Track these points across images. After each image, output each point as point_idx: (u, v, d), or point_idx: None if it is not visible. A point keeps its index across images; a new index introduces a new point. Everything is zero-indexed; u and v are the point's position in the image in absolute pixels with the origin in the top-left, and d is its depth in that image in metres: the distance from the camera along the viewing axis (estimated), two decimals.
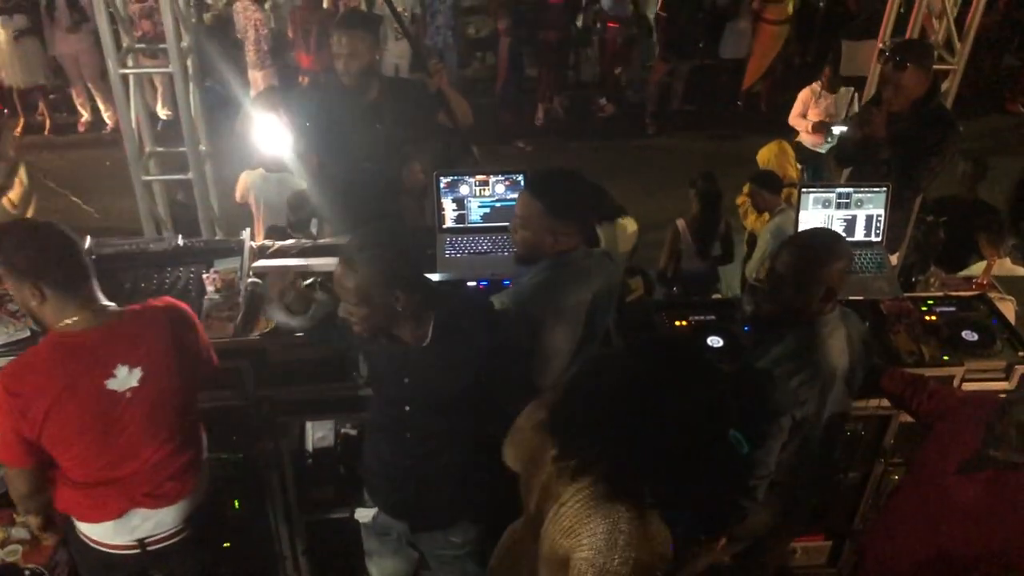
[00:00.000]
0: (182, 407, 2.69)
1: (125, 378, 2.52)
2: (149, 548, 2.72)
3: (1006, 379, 3.50)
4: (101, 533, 2.69)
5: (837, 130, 7.20)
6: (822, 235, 2.99)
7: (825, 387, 2.79)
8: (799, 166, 6.70)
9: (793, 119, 7.48)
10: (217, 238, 4.83)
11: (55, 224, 2.53)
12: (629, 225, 5.36)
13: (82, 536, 2.73)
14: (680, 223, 5.51)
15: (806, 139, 7.34)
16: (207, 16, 8.82)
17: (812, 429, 2.85)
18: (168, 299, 2.80)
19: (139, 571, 2.80)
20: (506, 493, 2.68)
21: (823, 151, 7.13)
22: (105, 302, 2.56)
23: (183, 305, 2.79)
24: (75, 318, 2.47)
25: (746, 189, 5.83)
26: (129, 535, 2.69)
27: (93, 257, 3.05)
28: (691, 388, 1.97)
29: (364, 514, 3.02)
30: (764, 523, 2.96)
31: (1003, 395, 3.25)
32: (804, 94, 7.44)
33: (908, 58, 4.19)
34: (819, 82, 7.41)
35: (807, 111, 7.42)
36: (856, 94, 7.21)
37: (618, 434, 1.97)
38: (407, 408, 2.69)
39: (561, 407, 2.14)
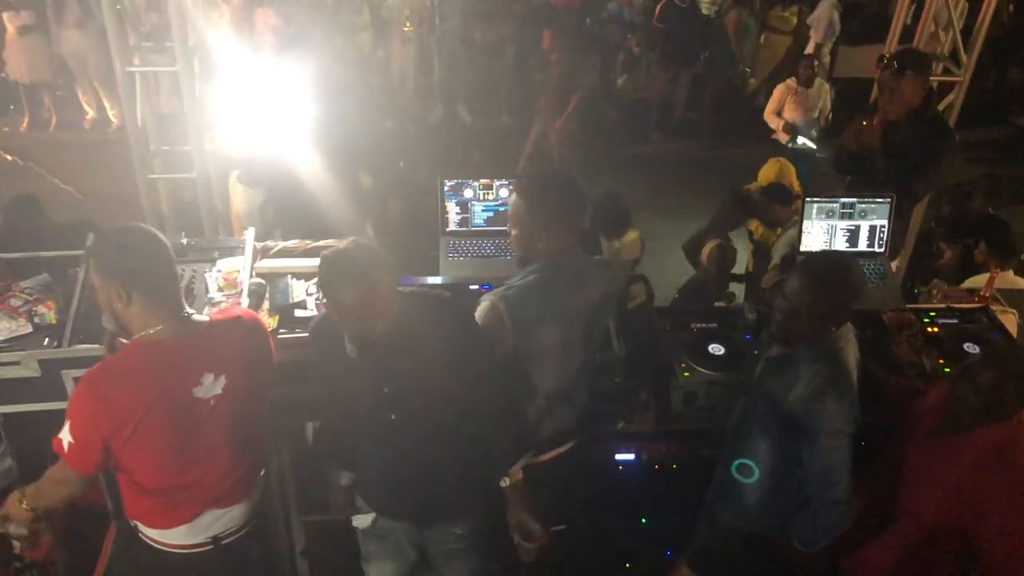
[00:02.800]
0: (256, 412, 2.75)
1: (211, 385, 2.55)
2: (222, 543, 2.77)
3: None
4: (174, 536, 2.70)
5: (801, 140, 7.28)
6: (837, 267, 2.85)
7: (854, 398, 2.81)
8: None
9: (768, 115, 7.53)
10: (221, 237, 4.83)
11: (155, 232, 2.54)
12: (631, 233, 5.36)
13: (151, 542, 2.72)
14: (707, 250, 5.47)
15: (780, 137, 7.39)
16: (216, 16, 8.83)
17: None
18: (246, 310, 2.87)
19: (209, 568, 2.80)
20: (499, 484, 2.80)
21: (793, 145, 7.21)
22: (189, 311, 2.57)
23: (258, 317, 2.88)
24: (161, 326, 2.47)
25: (755, 186, 5.82)
26: (203, 533, 2.73)
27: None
28: None
29: (362, 520, 3.02)
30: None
31: None
32: (779, 90, 7.50)
33: (907, 65, 4.20)
34: (793, 78, 7.47)
35: (782, 108, 7.46)
36: (830, 88, 7.23)
37: None
38: (393, 416, 2.70)
39: None
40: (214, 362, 2.55)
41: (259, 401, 2.77)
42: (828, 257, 3.39)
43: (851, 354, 2.84)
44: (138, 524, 2.71)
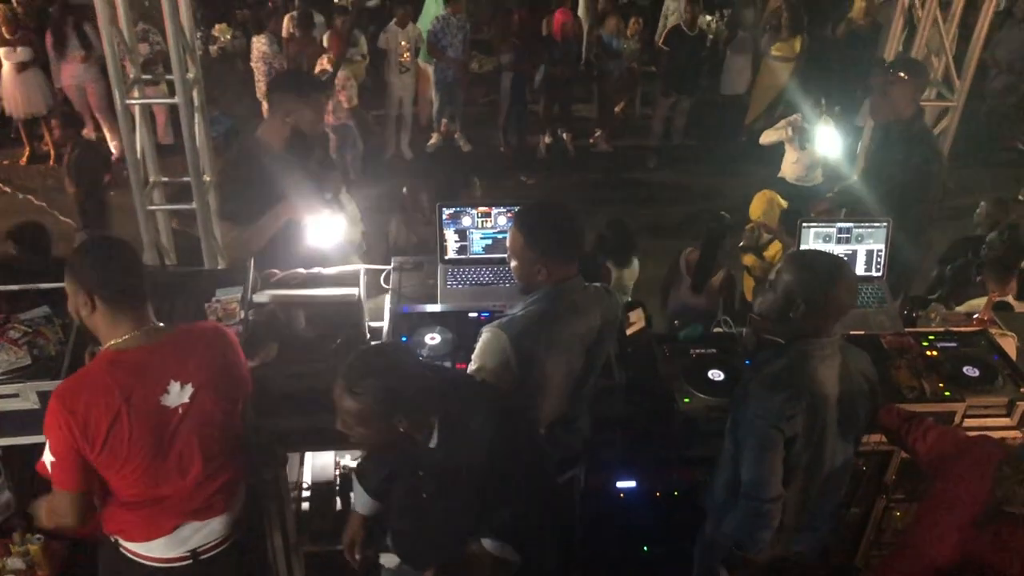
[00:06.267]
0: (227, 424, 2.75)
1: (178, 394, 2.58)
2: (201, 557, 2.77)
3: (1008, 415, 3.48)
4: (153, 549, 2.72)
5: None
6: (823, 255, 2.95)
7: (815, 408, 2.77)
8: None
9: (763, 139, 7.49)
10: (220, 267, 4.85)
11: (127, 244, 2.63)
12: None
13: (129, 555, 2.74)
14: (684, 255, 5.51)
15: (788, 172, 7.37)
16: (213, 48, 8.92)
17: (813, 459, 2.84)
18: (213, 322, 2.92)
19: None
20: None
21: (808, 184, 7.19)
22: (156, 322, 2.63)
23: (225, 328, 2.90)
24: (128, 336, 2.54)
25: (749, 225, 5.85)
26: (181, 547, 2.74)
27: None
28: None
29: (389, 560, 2.96)
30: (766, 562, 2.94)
31: (1001, 437, 3.25)
32: (780, 133, 7.38)
33: (900, 68, 4.26)
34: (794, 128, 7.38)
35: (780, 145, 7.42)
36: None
37: None
38: (424, 495, 2.66)
39: None
40: (180, 371, 2.59)
41: (230, 412, 2.75)
42: (817, 251, 3.42)
43: (827, 371, 2.79)
44: (118, 539, 2.73)
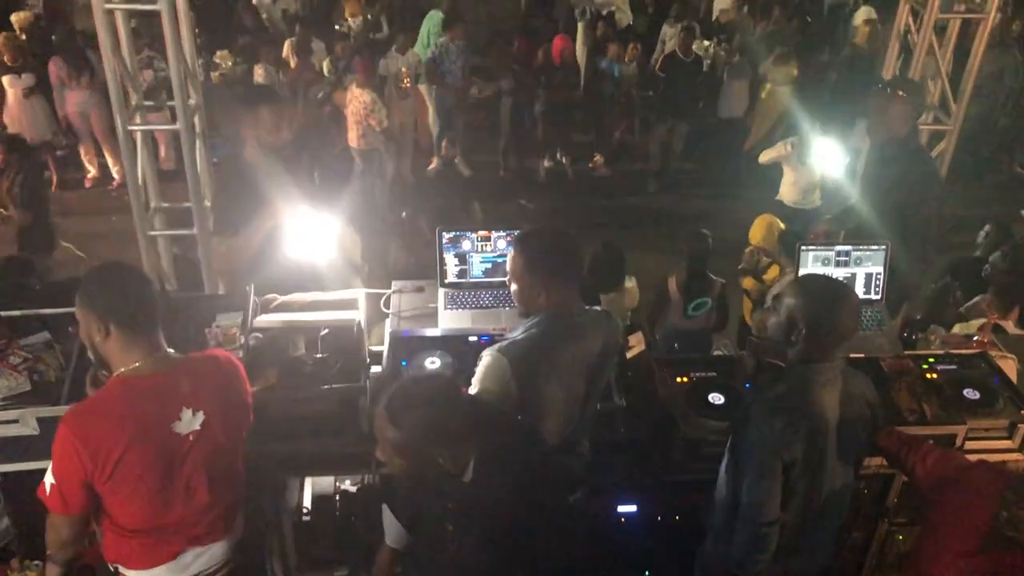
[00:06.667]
0: (233, 452, 2.76)
1: (189, 421, 2.59)
2: None
3: (1009, 438, 3.48)
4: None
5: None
6: (827, 280, 2.94)
7: (814, 434, 2.76)
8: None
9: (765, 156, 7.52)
10: (220, 292, 4.85)
11: (138, 269, 2.67)
12: (628, 281, 5.39)
13: None
14: (672, 279, 5.50)
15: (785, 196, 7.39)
16: (214, 75, 8.98)
17: (812, 483, 2.83)
18: (221, 350, 2.92)
19: None
20: None
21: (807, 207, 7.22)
22: (168, 350, 2.64)
23: (234, 358, 2.90)
24: (139, 362, 2.54)
25: (749, 249, 5.87)
26: (183, 573, 2.74)
27: None
28: None
29: None
30: None
31: (1003, 461, 3.25)
32: (780, 152, 7.39)
33: (898, 87, 4.32)
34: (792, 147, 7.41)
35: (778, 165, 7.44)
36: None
37: None
38: (450, 527, 2.60)
39: None
40: (192, 398, 2.60)
41: (236, 439, 2.78)
42: (822, 275, 3.42)
43: (828, 396, 2.79)
44: (119, 567, 2.72)
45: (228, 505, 2.79)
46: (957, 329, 4.28)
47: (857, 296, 2.85)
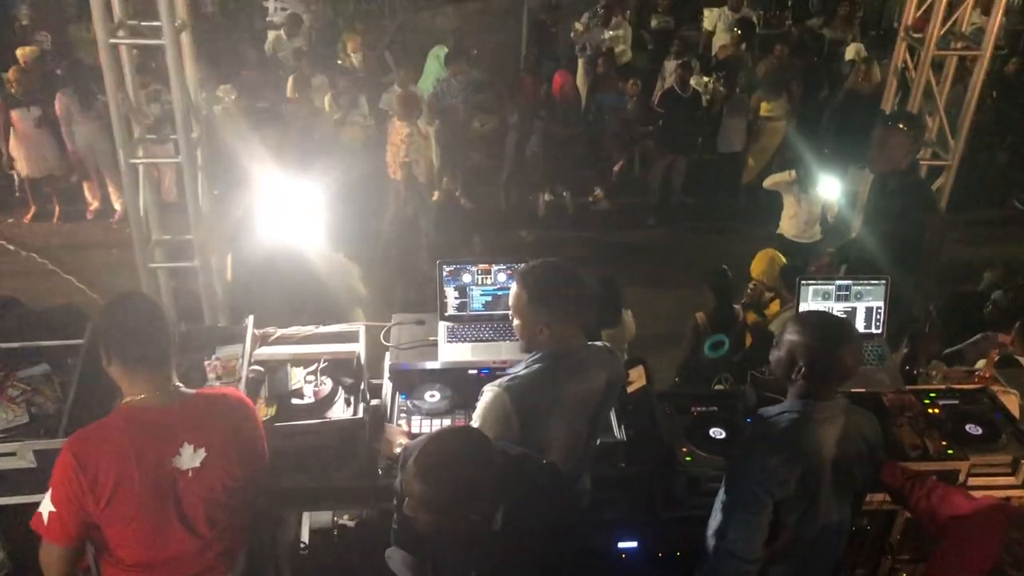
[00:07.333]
0: (235, 493, 2.73)
1: (190, 457, 2.59)
2: None
3: (1012, 474, 3.46)
4: None
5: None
6: (829, 320, 2.92)
7: (810, 472, 2.74)
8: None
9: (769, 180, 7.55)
10: (220, 325, 4.85)
11: (152, 305, 2.67)
12: (625, 314, 5.40)
13: None
14: (699, 316, 5.57)
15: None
16: (217, 109, 9.04)
17: (802, 518, 2.80)
18: (234, 389, 2.91)
19: None
20: None
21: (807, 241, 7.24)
22: (176, 384, 2.64)
23: (246, 398, 2.90)
24: (145, 395, 2.56)
25: (751, 284, 5.89)
26: None
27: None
28: None
29: None
30: None
31: (1006, 497, 3.23)
32: (783, 179, 7.41)
33: (899, 120, 4.38)
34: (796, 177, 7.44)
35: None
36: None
37: None
38: (474, 574, 2.58)
39: None
40: (195, 434, 2.60)
41: (240, 479, 2.73)
42: (824, 312, 3.40)
43: (827, 434, 2.77)
44: None
45: (230, 543, 2.77)
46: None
47: (859, 334, 2.85)
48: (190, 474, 2.58)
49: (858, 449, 2.86)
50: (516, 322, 2.90)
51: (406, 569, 2.70)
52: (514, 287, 2.90)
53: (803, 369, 2.73)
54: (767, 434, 2.80)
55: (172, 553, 2.62)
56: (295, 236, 4.56)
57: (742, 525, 2.76)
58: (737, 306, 5.55)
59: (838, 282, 3.85)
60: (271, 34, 11.00)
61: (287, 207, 4.51)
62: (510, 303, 2.93)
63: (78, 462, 2.47)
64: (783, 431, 2.76)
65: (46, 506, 2.51)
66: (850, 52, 10.60)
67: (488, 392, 2.82)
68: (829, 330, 2.77)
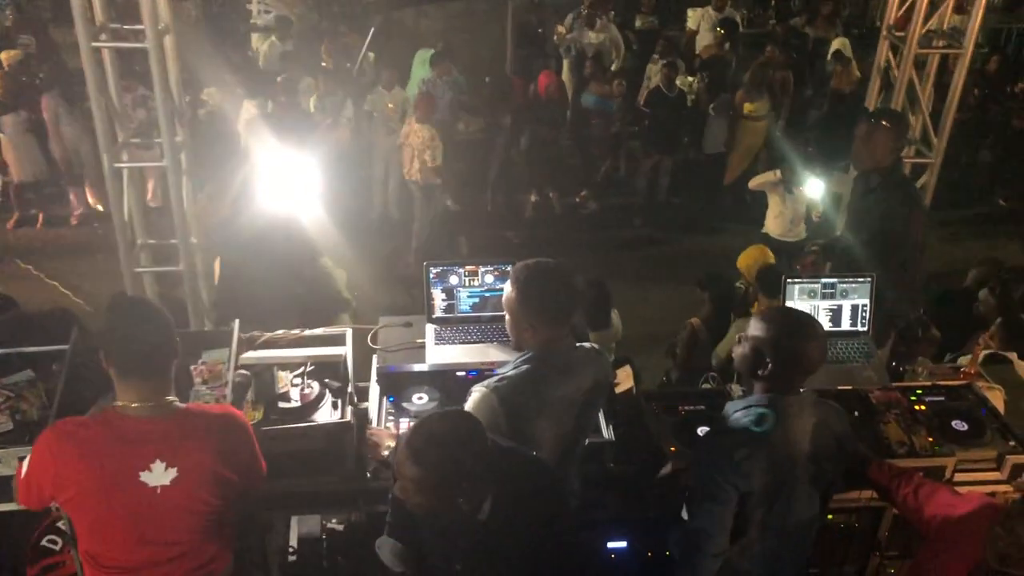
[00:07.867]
0: (213, 513, 2.69)
1: (160, 475, 2.56)
2: None
3: (997, 469, 3.48)
4: None
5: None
6: (792, 314, 2.95)
7: (777, 465, 2.76)
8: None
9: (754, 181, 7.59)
10: (206, 329, 4.83)
11: (162, 316, 2.65)
12: (613, 317, 5.41)
13: None
14: (695, 321, 5.58)
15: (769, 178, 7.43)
16: (201, 112, 9.01)
17: (770, 513, 2.82)
18: (228, 407, 2.89)
19: None
20: None
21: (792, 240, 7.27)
22: (169, 398, 2.61)
23: (240, 416, 2.85)
24: (136, 404, 2.55)
25: (738, 283, 5.91)
26: None
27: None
28: None
29: None
30: None
31: (992, 492, 3.24)
32: (768, 179, 7.45)
33: (883, 117, 4.40)
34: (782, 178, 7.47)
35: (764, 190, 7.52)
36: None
37: None
38: (457, 568, 2.59)
39: None
40: (170, 452, 2.57)
41: (220, 498, 2.69)
42: (787, 308, 3.47)
43: (798, 428, 2.79)
44: None
45: (209, 558, 2.75)
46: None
47: (822, 327, 2.87)
48: (158, 491, 2.55)
49: (827, 443, 2.88)
50: (508, 320, 2.91)
51: (395, 558, 2.70)
52: (506, 286, 2.90)
53: (769, 364, 2.75)
54: (734, 428, 2.82)
55: (143, 560, 2.63)
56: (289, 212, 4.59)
57: (706, 517, 2.79)
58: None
59: (824, 280, 3.86)
60: (254, 36, 10.98)
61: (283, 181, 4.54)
62: (503, 301, 2.93)
63: (50, 452, 2.53)
64: (748, 425, 2.78)
65: (25, 464, 2.62)
66: (835, 44, 10.65)
67: (475, 393, 2.82)
68: (794, 325, 2.79)
